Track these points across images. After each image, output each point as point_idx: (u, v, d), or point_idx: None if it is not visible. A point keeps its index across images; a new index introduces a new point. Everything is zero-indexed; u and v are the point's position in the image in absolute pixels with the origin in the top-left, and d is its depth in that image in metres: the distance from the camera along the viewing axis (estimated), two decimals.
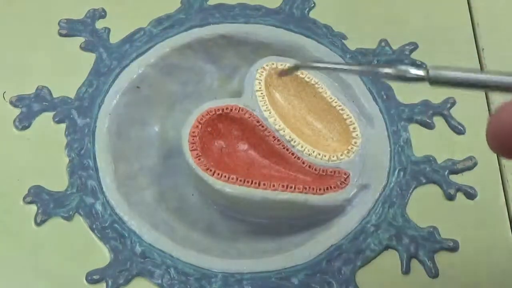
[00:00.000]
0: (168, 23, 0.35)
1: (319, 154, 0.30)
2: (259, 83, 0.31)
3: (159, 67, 0.34)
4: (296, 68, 0.26)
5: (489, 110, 0.32)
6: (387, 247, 0.29)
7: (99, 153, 0.32)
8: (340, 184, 0.30)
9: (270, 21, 0.35)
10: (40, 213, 0.30)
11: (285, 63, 0.32)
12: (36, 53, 0.34)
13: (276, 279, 0.29)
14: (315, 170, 0.30)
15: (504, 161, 0.31)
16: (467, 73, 0.21)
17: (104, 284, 0.29)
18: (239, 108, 0.31)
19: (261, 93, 0.31)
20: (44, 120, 0.33)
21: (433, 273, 0.29)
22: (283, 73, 0.28)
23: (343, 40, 0.34)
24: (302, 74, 0.32)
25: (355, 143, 0.30)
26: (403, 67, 0.22)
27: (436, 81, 0.21)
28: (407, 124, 0.32)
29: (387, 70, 0.22)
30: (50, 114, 0.33)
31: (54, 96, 0.33)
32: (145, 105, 0.34)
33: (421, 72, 0.22)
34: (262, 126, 0.31)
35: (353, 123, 0.31)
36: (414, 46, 0.34)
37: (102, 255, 0.29)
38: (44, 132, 0.32)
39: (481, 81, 0.21)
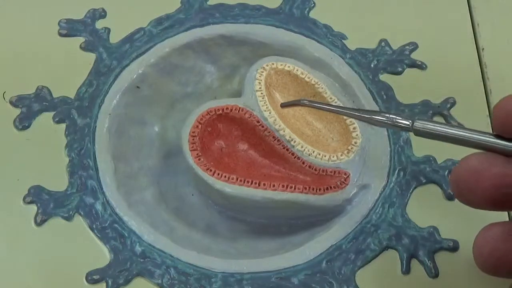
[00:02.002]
0: (168, 23, 0.35)
1: (319, 154, 0.30)
2: (259, 83, 0.31)
3: (159, 67, 0.34)
4: (298, 103, 0.30)
5: (489, 110, 0.32)
6: (387, 247, 0.29)
7: (99, 153, 0.32)
8: (340, 184, 0.30)
9: (270, 21, 0.35)
10: (40, 213, 0.30)
11: (285, 63, 0.32)
12: (36, 53, 0.34)
13: (276, 279, 0.29)
14: (315, 170, 0.30)
15: None
16: (448, 129, 0.24)
17: (104, 284, 0.29)
18: (239, 108, 0.31)
19: (261, 93, 0.31)
20: (44, 120, 0.33)
21: (433, 273, 0.29)
22: (285, 104, 0.31)
23: (343, 40, 0.34)
24: (302, 74, 0.32)
25: (355, 143, 0.30)
26: (393, 116, 0.25)
27: (419, 133, 0.24)
28: None
29: (380, 118, 0.25)
30: (50, 114, 0.33)
31: (54, 96, 0.33)
32: (145, 105, 0.34)
33: (406, 123, 0.25)
34: (262, 126, 0.31)
35: (353, 123, 0.31)
36: (414, 46, 0.34)
37: (102, 255, 0.29)
38: (44, 132, 0.32)
39: (460, 139, 0.23)
